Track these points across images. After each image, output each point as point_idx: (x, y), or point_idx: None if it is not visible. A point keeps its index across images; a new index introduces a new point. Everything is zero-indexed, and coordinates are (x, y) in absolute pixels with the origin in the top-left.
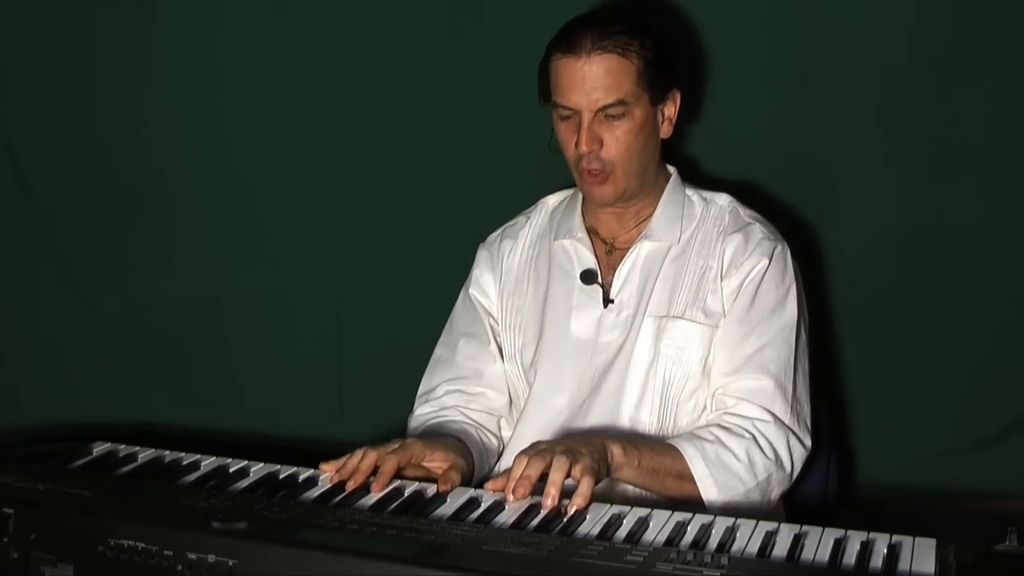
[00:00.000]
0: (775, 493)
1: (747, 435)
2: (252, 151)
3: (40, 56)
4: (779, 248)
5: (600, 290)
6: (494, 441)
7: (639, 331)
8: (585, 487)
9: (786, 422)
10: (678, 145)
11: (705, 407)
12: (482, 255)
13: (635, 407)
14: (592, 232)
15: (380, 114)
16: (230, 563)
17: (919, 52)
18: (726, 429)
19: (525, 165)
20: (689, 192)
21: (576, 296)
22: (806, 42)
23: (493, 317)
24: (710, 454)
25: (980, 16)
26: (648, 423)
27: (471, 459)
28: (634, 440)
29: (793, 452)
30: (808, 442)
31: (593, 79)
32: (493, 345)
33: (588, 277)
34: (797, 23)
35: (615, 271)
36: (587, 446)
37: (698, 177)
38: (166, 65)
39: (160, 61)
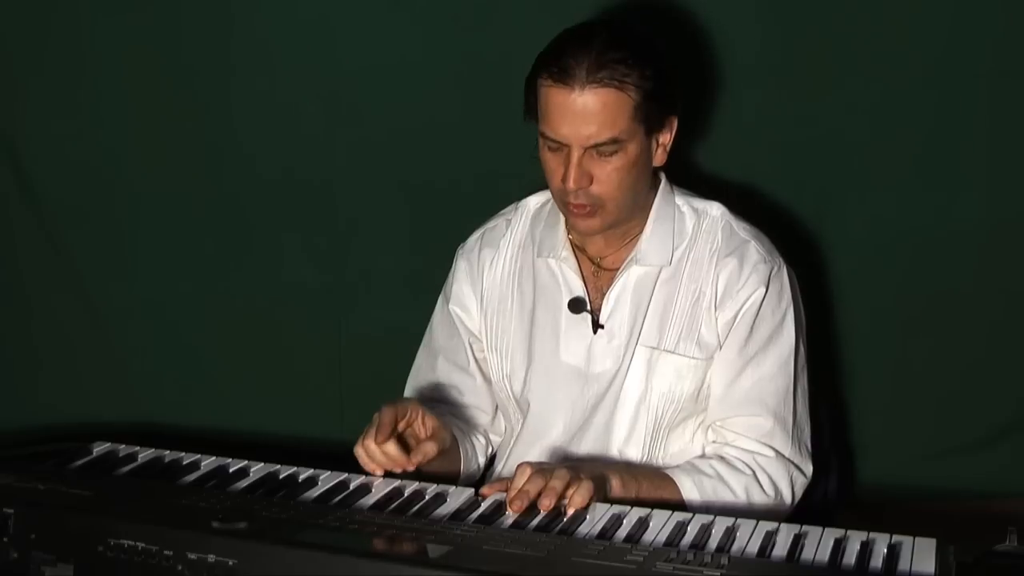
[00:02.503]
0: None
1: (747, 471)
2: (252, 152)
3: (41, 57)
4: (775, 269)
5: (588, 316)
6: (481, 440)
7: (631, 362)
8: (584, 490)
9: (787, 455)
10: (676, 146)
11: (696, 429)
12: (460, 265)
13: (624, 441)
14: (577, 248)
15: (380, 114)
16: (230, 563)
17: (920, 53)
18: (727, 463)
19: (524, 166)
20: (679, 202)
21: (564, 321)
22: (806, 43)
23: (474, 335)
24: (708, 490)
25: (981, 16)
26: (636, 457)
27: (455, 443)
28: (632, 471)
29: (795, 484)
30: (810, 469)
31: (586, 114)
32: (473, 365)
33: (576, 306)
34: (797, 24)
35: (603, 294)
36: (587, 472)
37: (697, 179)
38: (166, 66)
39: (161, 62)
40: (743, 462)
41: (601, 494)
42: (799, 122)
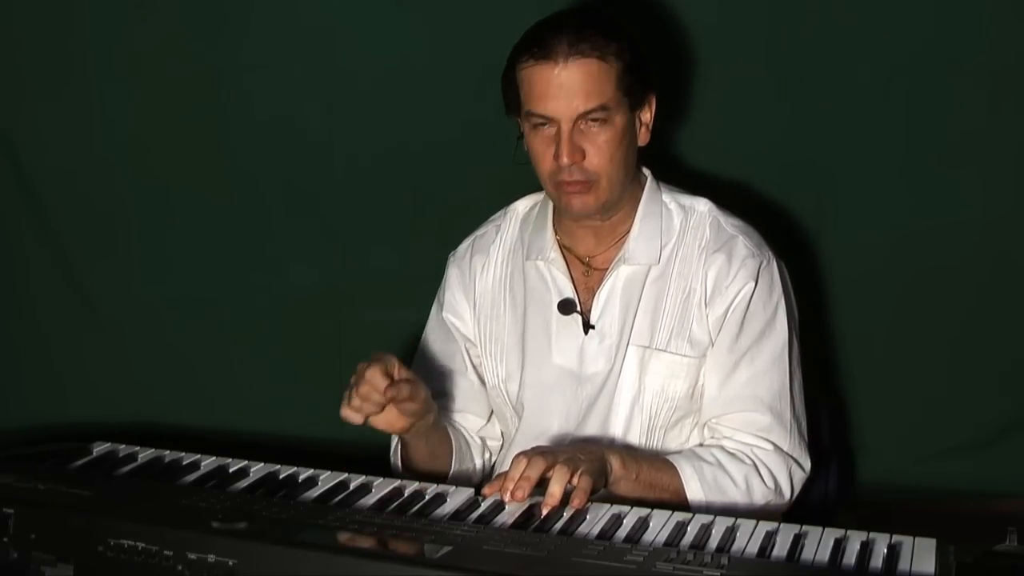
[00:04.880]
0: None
1: (748, 461)
2: (252, 151)
3: (41, 56)
4: (764, 263)
5: (579, 317)
6: (477, 441)
7: (623, 362)
8: (585, 483)
9: (786, 449)
10: (673, 143)
11: (694, 428)
12: (452, 273)
13: (621, 439)
14: (566, 249)
15: (381, 114)
16: (230, 563)
17: (919, 51)
18: (728, 452)
19: (524, 166)
20: (666, 199)
21: (555, 323)
22: (804, 39)
23: (470, 341)
24: (708, 476)
25: (980, 15)
26: None
27: (446, 436)
28: (633, 453)
29: (794, 478)
30: (808, 464)
31: (572, 84)
32: (469, 370)
33: (566, 307)
34: (794, 19)
35: (593, 294)
36: (587, 454)
37: (691, 176)
38: (166, 65)
39: (161, 61)
40: (743, 453)
41: (602, 479)
42: (798, 121)
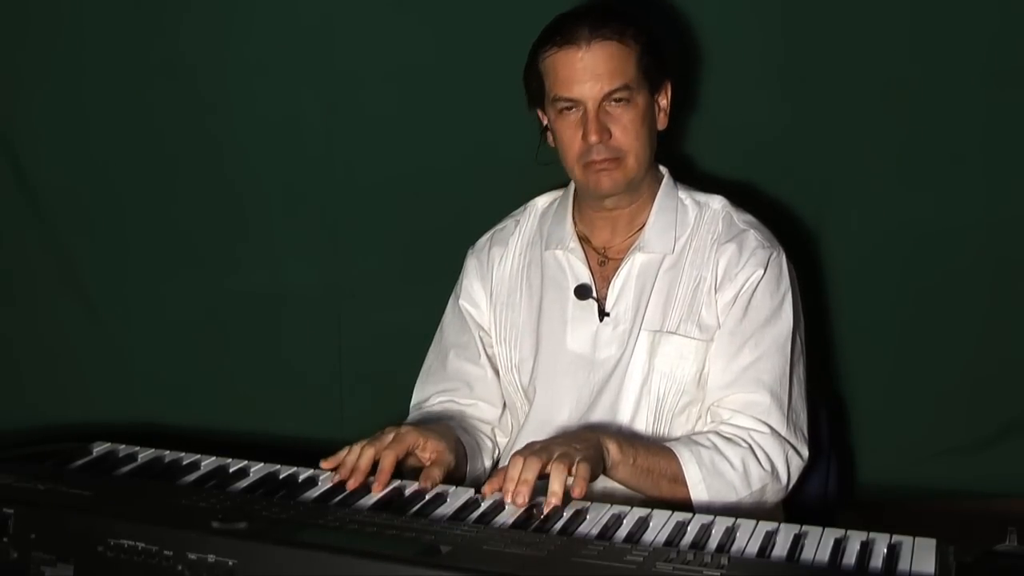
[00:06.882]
0: (769, 503)
1: (744, 444)
2: (252, 152)
3: (41, 56)
4: (774, 255)
5: (595, 304)
6: (488, 443)
7: (635, 346)
8: (583, 470)
9: (783, 434)
10: (674, 143)
11: (700, 417)
12: (471, 263)
13: (629, 423)
14: (584, 240)
15: (380, 114)
16: (230, 563)
17: (920, 51)
18: (724, 437)
19: (525, 165)
20: (682, 195)
21: (571, 310)
22: (805, 40)
23: (484, 330)
24: (705, 459)
25: (981, 15)
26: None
27: (462, 449)
28: (630, 439)
29: (791, 463)
30: (805, 453)
31: (596, 67)
32: (483, 358)
33: (582, 292)
34: (796, 20)
35: (609, 283)
36: (583, 443)
37: (694, 176)
38: (166, 66)
39: (160, 61)
40: (740, 437)
41: (600, 465)
42: (799, 121)
